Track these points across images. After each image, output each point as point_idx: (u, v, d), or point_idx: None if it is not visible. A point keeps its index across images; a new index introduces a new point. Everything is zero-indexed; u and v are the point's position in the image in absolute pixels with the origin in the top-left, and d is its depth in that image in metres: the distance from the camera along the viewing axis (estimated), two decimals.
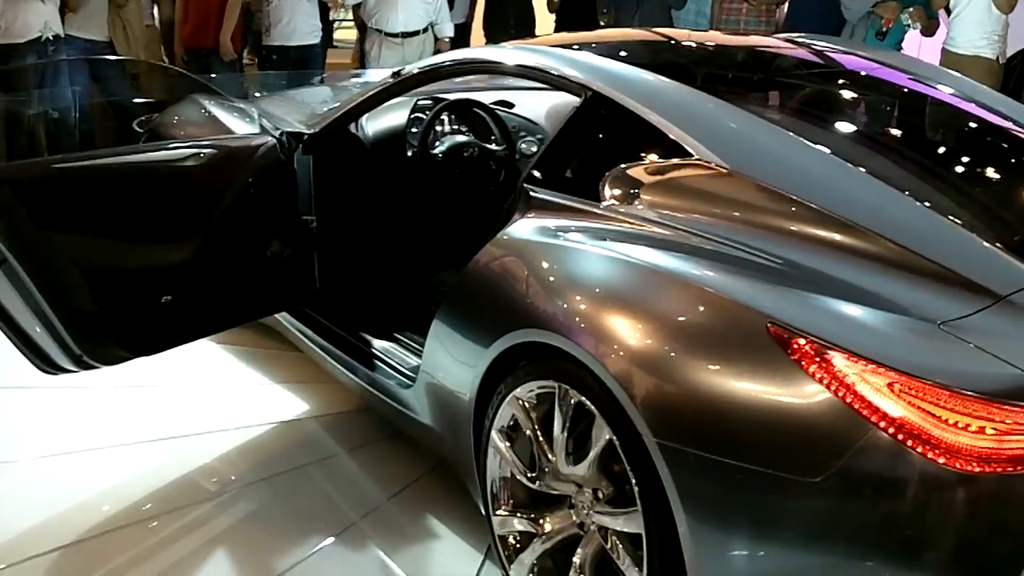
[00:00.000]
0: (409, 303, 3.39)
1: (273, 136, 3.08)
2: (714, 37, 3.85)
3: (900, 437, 1.62)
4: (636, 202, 2.22)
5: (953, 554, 1.64)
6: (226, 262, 2.95)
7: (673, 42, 3.20)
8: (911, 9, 6.02)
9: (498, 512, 2.37)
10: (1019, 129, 2.65)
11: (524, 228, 2.38)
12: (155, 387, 3.51)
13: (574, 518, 2.23)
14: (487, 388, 2.35)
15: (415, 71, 3.01)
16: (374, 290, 3.50)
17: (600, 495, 2.13)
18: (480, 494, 2.45)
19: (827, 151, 2.18)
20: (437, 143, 3.60)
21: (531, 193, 2.44)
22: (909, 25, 6.07)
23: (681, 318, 1.93)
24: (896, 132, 2.73)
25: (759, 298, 1.85)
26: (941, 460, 1.60)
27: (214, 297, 2.94)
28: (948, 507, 1.63)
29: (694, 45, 3.18)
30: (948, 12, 6.13)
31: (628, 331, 1.97)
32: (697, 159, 2.18)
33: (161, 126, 3.80)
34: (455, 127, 3.73)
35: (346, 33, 8.60)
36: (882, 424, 1.63)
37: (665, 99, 2.36)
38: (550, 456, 2.22)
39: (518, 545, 2.35)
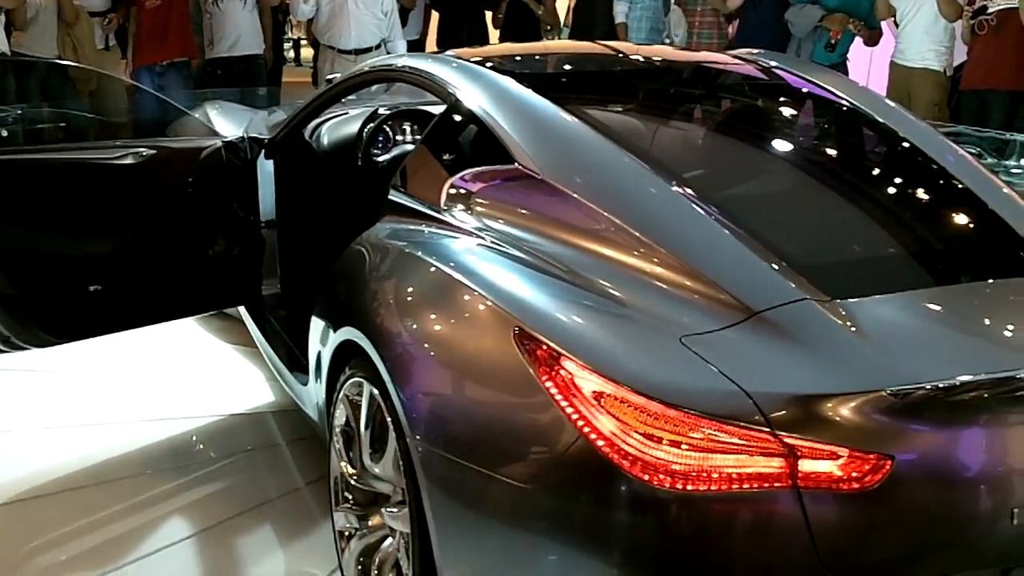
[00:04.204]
0: None
1: (223, 139, 3.15)
2: (655, 52, 3.85)
3: (602, 446, 1.59)
4: (460, 207, 2.26)
5: (658, 569, 1.61)
6: (161, 257, 3.04)
7: (596, 55, 3.20)
8: (854, 21, 6.10)
9: (337, 508, 2.39)
10: (903, 163, 2.55)
11: (377, 231, 2.45)
12: (133, 373, 3.78)
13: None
14: (333, 386, 2.41)
15: (340, 79, 3.09)
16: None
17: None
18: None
19: (638, 162, 2.12)
20: (382, 152, 3.62)
21: (389, 196, 2.50)
22: (855, 33, 6.15)
23: (449, 321, 2.00)
24: (737, 145, 2.69)
25: (521, 303, 1.85)
26: (638, 473, 1.57)
27: (147, 290, 3.05)
28: (645, 522, 1.60)
29: (615, 59, 3.12)
30: (896, 24, 6.20)
31: (405, 331, 2.05)
32: (517, 165, 2.19)
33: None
34: (409, 137, 3.73)
35: (310, 51, 8.62)
36: (588, 433, 1.61)
37: (513, 108, 2.35)
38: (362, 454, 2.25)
39: (349, 540, 2.37)
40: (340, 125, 3.66)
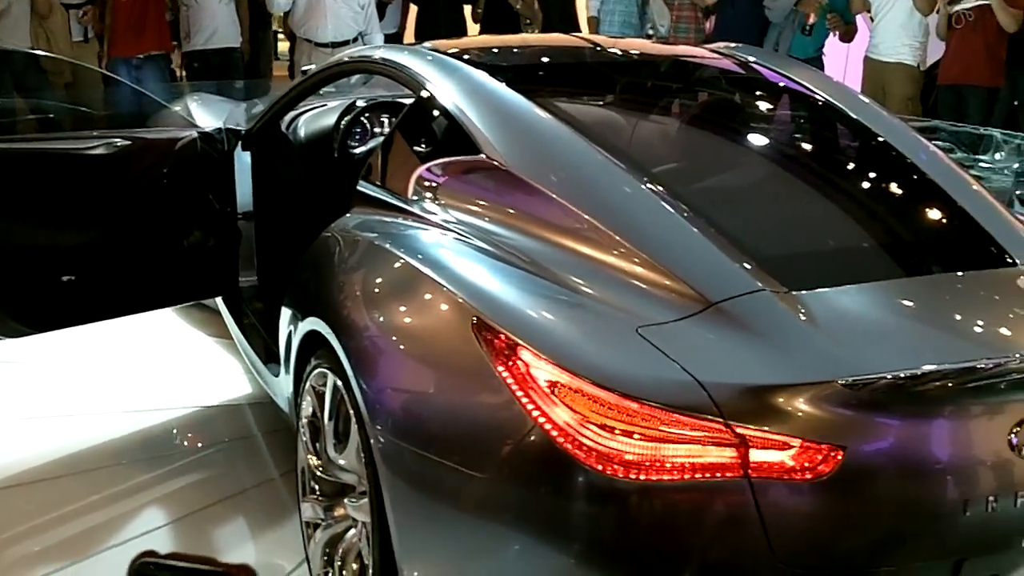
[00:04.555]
0: None
1: (199, 130, 3.14)
2: (631, 45, 3.86)
3: (556, 436, 1.60)
4: (426, 197, 2.27)
5: (612, 559, 1.61)
6: (135, 248, 3.03)
7: (571, 48, 3.21)
8: (830, 15, 6.14)
9: (304, 499, 2.39)
10: (872, 157, 2.55)
11: (344, 222, 2.45)
12: (112, 364, 3.80)
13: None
14: (300, 377, 2.42)
15: (315, 71, 3.09)
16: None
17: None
18: None
19: (604, 155, 2.12)
20: (359, 144, 3.62)
21: (358, 187, 2.51)
22: (831, 28, 6.19)
23: (410, 311, 2.01)
24: (707, 138, 2.71)
25: (480, 294, 1.85)
26: (591, 463, 1.57)
27: (121, 281, 3.03)
28: (599, 512, 1.60)
29: (589, 52, 3.13)
30: (872, 19, 6.25)
31: (366, 321, 2.05)
32: (483, 156, 2.19)
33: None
34: (386, 129, 3.73)
35: (286, 45, 8.59)
36: (542, 423, 1.61)
37: (481, 99, 2.34)
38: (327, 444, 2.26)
39: (315, 531, 2.38)
40: (318, 117, 3.66)
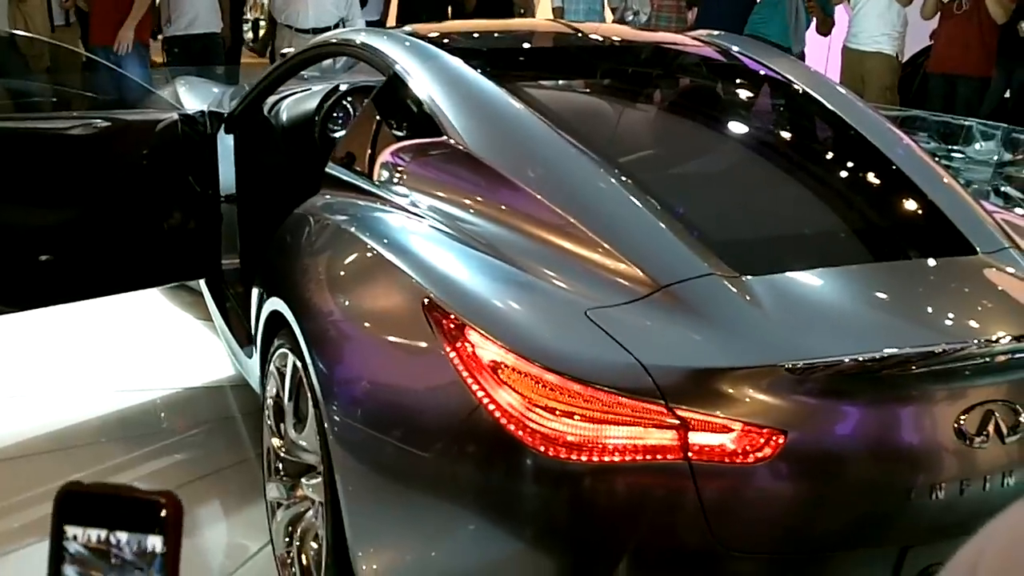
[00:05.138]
0: None
1: (180, 113, 3.13)
2: (612, 31, 3.88)
3: (499, 417, 1.60)
4: (388, 179, 2.28)
5: (554, 540, 1.63)
6: (114, 229, 3.03)
7: (550, 34, 3.22)
8: (810, 2, 6.15)
9: (269, 479, 2.40)
10: (842, 147, 2.53)
11: (310, 203, 2.46)
12: (98, 344, 3.81)
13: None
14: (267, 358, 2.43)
15: (295, 53, 3.09)
16: None
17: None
18: None
19: (565, 139, 2.11)
20: (340, 128, 3.63)
21: (326, 169, 2.52)
22: (811, 16, 6.21)
23: (364, 291, 2.03)
24: (675, 124, 2.71)
25: (433, 275, 1.85)
26: (533, 444, 1.57)
27: (99, 261, 3.03)
28: (541, 493, 1.61)
29: (568, 38, 3.14)
30: (851, 8, 6.29)
31: (322, 301, 2.07)
32: (446, 139, 2.19)
33: None
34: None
35: None
36: (486, 403, 1.61)
37: (447, 82, 2.34)
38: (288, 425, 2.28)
39: (277, 510, 2.39)
40: (301, 101, 3.67)
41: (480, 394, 1.62)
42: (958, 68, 5.99)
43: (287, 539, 2.28)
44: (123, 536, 0.59)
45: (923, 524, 1.65)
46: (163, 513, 0.59)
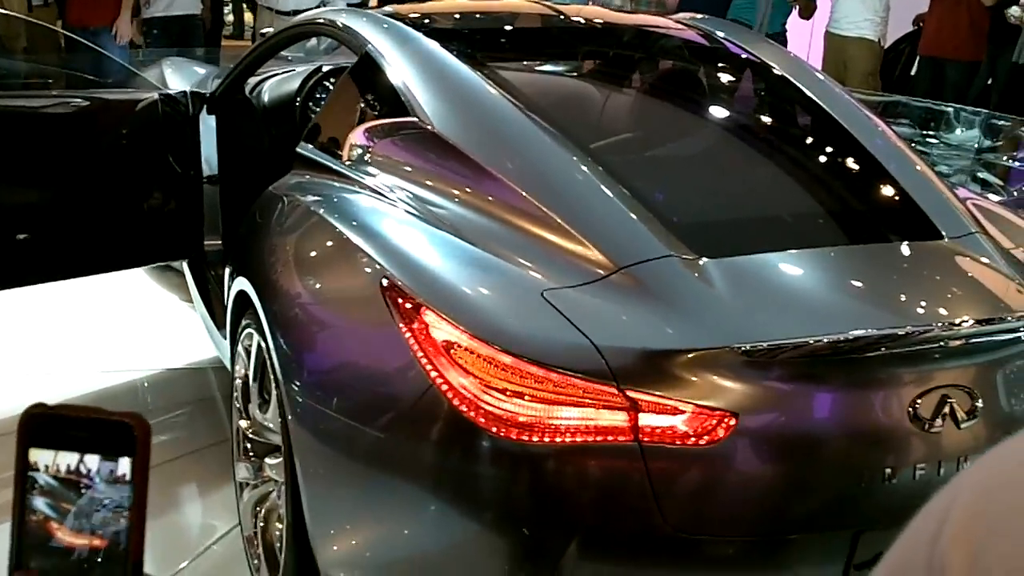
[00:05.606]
0: None
1: (160, 92, 3.11)
2: (594, 14, 3.85)
3: (451, 397, 1.60)
4: (354, 159, 2.28)
5: (504, 519, 1.62)
6: (92, 209, 3.02)
7: (530, 15, 3.19)
8: None
9: (239, 459, 2.41)
10: (814, 132, 2.52)
11: (283, 182, 2.45)
12: (88, 324, 3.83)
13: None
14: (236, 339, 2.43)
15: (273, 33, 3.10)
16: None
17: None
18: None
19: (532, 120, 2.10)
20: (319, 109, 3.60)
21: (297, 149, 2.51)
22: (792, 2, 6.20)
23: (325, 271, 2.04)
24: (646, 107, 2.70)
25: (394, 256, 1.85)
26: (485, 424, 1.57)
27: (78, 241, 3.02)
28: (492, 473, 1.61)
29: (549, 19, 3.08)
30: None
31: (284, 280, 2.08)
32: (412, 119, 2.18)
33: None
34: None
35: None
36: (440, 383, 1.61)
37: (416, 62, 2.33)
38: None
39: (244, 490, 2.41)
40: (283, 82, 3.66)
41: (434, 375, 1.62)
42: (947, 52, 6.00)
43: (255, 519, 2.28)
44: (94, 462, 0.57)
45: (876, 509, 1.64)
46: (133, 433, 0.57)
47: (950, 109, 5.50)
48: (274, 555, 2.15)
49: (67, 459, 0.57)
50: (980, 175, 5.32)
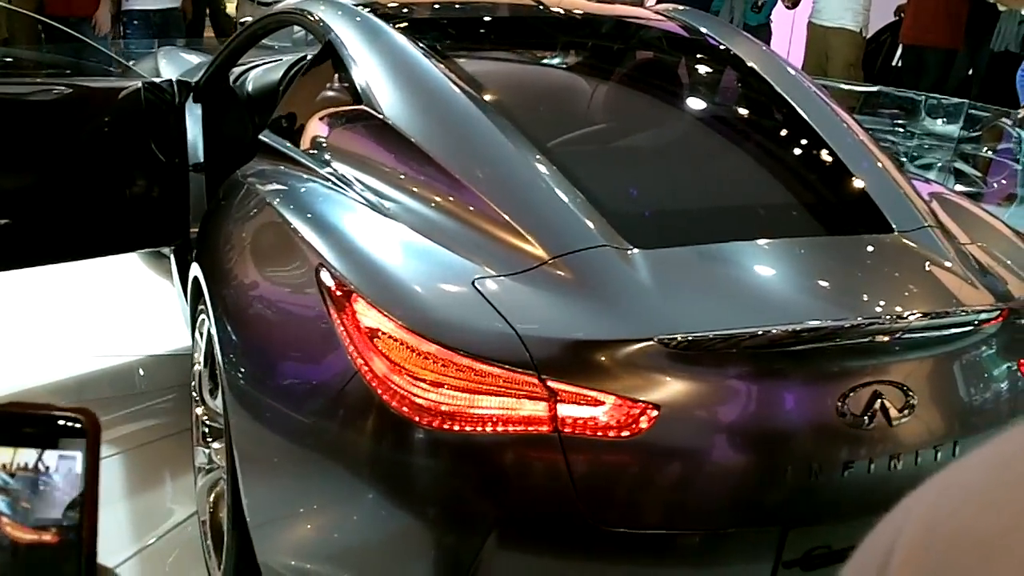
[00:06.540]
0: None
1: (144, 80, 3.11)
2: (574, 4, 3.83)
3: (374, 385, 1.59)
4: (309, 146, 2.29)
5: (426, 509, 1.62)
6: (74, 195, 3.03)
7: (504, 4, 3.19)
8: None
9: (197, 444, 2.42)
10: (774, 126, 2.49)
11: (242, 170, 2.45)
12: (79, 309, 3.85)
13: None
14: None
15: (253, 22, 3.12)
16: None
17: None
18: None
19: (478, 109, 2.10)
20: None
21: (260, 137, 2.52)
22: None
23: (266, 257, 2.06)
24: (600, 97, 2.67)
25: (331, 243, 1.84)
26: (405, 412, 1.56)
27: (60, 227, 3.03)
28: (412, 461, 1.60)
29: (526, 10, 3.04)
30: None
31: (227, 266, 2.10)
32: (363, 107, 2.18)
33: None
34: None
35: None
36: (365, 371, 1.60)
37: (375, 52, 2.32)
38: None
39: (198, 475, 2.43)
40: (268, 71, 3.67)
41: (359, 361, 1.62)
42: (925, 39, 6.02)
43: (208, 504, 2.30)
44: (52, 459, 0.58)
45: (804, 506, 1.62)
46: (84, 428, 0.58)
47: (933, 100, 5.52)
48: (222, 539, 2.16)
49: (23, 456, 0.58)
50: (955, 165, 5.34)
